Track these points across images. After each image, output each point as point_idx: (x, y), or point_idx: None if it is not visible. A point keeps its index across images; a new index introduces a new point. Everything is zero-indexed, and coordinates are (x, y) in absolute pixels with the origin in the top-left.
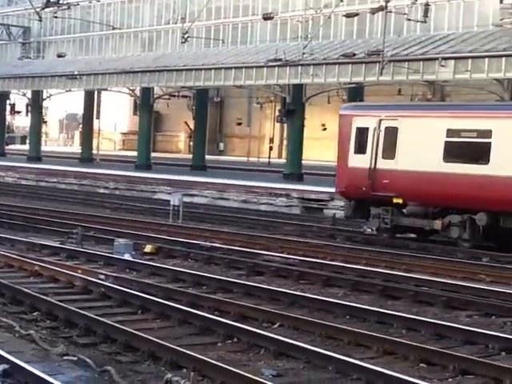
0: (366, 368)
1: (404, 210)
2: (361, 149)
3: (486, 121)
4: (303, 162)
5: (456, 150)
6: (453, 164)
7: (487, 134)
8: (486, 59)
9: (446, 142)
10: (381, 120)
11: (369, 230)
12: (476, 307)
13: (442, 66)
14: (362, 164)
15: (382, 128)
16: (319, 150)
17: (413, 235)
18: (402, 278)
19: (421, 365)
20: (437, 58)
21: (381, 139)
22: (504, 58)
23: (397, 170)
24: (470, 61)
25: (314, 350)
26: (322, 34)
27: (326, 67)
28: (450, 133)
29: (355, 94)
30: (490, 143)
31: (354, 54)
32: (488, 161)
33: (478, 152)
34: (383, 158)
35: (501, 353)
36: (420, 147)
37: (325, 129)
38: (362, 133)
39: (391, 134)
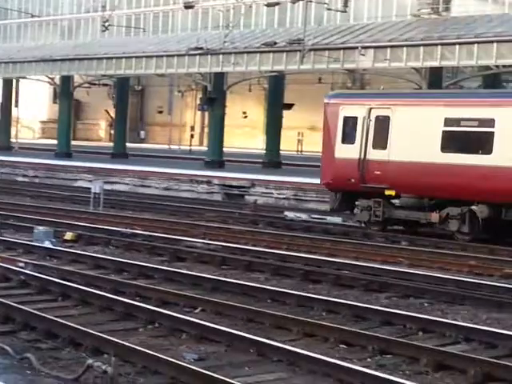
0: (286, 350)
1: (396, 202)
2: (349, 139)
3: (488, 109)
4: (224, 149)
5: (455, 140)
6: (451, 154)
7: (490, 123)
8: (405, 48)
9: (444, 132)
10: (371, 109)
11: (357, 222)
12: (395, 289)
13: (362, 54)
14: (351, 155)
15: (373, 117)
16: (240, 137)
17: (398, 227)
18: (324, 262)
19: (341, 346)
20: (356, 47)
21: (371, 129)
22: (422, 48)
23: (389, 161)
24: (388, 50)
25: (236, 334)
26: (244, 22)
27: (248, 56)
28: (449, 122)
29: (276, 82)
30: (492, 133)
31: (275, 43)
32: (491, 151)
33: (480, 142)
34: (374, 148)
35: (418, 332)
36: (415, 137)
37: (246, 116)
38: (350, 122)
39: (382, 124)
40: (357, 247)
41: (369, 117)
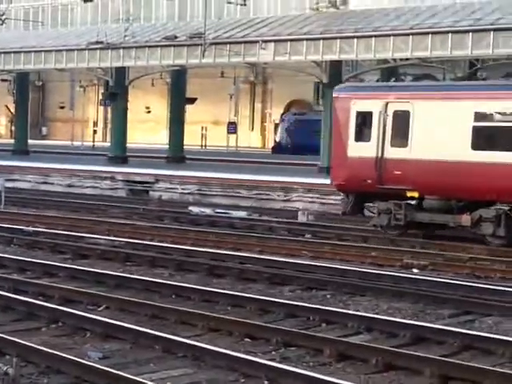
0: (191, 345)
1: (412, 204)
2: (363, 136)
3: None
4: (128, 144)
5: (488, 137)
6: (486, 152)
7: None
8: (304, 42)
9: (475, 128)
10: (388, 103)
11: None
12: (298, 282)
13: (263, 48)
14: (366, 153)
15: (390, 112)
16: (144, 132)
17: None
18: (228, 256)
19: (245, 339)
20: (257, 41)
21: (388, 125)
22: (321, 41)
23: (411, 160)
24: (288, 43)
25: (141, 331)
26: (144, 16)
27: (149, 50)
28: (480, 116)
29: (178, 76)
30: None
31: (176, 37)
32: None
33: None
34: (392, 146)
35: (321, 324)
36: (440, 133)
37: (149, 111)
38: (365, 118)
39: (402, 119)
40: (261, 241)
41: (385, 112)
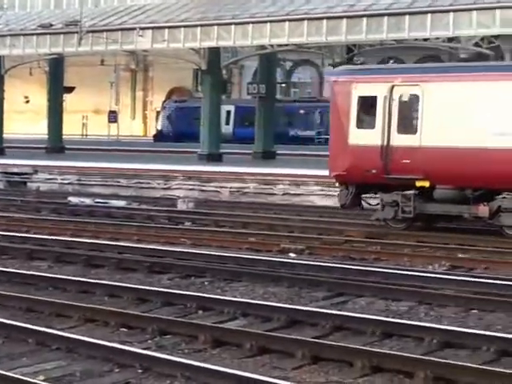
0: (64, 337)
1: (421, 195)
2: (367, 123)
3: None
4: (5, 135)
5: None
6: (507, 138)
7: None
8: (182, 29)
9: (494, 111)
10: (393, 86)
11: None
12: (177, 270)
13: (140, 35)
14: (370, 141)
15: (396, 96)
16: (23, 122)
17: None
18: (107, 246)
19: (121, 329)
20: (134, 28)
21: (394, 110)
22: (199, 28)
23: (421, 147)
24: (166, 30)
25: (13, 325)
26: (19, 4)
27: (24, 38)
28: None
29: (56, 65)
30: None
31: (52, 25)
32: None
33: None
34: (399, 132)
35: (198, 311)
36: (454, 118)
37: (28, 101)
38: (368, 103)
39: (410, 104)
40: (140, 230)
41: (391, 96)
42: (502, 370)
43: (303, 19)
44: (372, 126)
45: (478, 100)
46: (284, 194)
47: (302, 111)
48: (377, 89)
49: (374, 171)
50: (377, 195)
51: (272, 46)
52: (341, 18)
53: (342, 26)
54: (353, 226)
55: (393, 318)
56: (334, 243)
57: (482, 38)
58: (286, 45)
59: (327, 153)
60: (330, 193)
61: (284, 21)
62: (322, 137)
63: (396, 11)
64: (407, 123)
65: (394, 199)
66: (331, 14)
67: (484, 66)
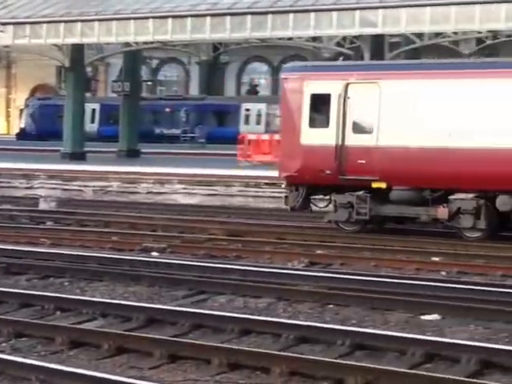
0: None
1: (376, 196)
2: (320, 122)
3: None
4: None
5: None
6: (468, 137)
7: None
8: (45, 25)
9: (457, 109)
10: (348, 84)
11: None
12: (36, 270)
13: (1, 31)
14: (324, 141)
15: (352, 94)
16: None
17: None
18: None
19: None
20: None
21: (350, 108)
22: (62, 24)
23: (378, 148)
24: (28, 26)
25: None
26: None
27: None
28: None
29: None
30: None
31: None
32: None
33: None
34: (355, 132)
35: (56, 312)
36: (415, 117)
37: None
38: (321, 101)
39: (366, 102)
40: (0, 230)
41: (346, 94)
42: (355, 364)
43: (167, 17)
44: (326, 125)
45: (438, 98)
46: (148, 193)
47: (167, 109)
48: (330, 86)
49: (327, 172)
50: (326, 197)
51: (137, 43)
52: (204, 16)
53: (206, 24)
54: (215, 223)
55: (251, 314)
56: (196, 241)
57: (344, 38)
58: (151, 42)
59: (192, 151)
60: (194, 191)
61: (148, 18)
62: (188, 135)
63: (259, 10)
64: (363, 122)
65: (349, 201)
66: (195, 12)
67: (444, 63)
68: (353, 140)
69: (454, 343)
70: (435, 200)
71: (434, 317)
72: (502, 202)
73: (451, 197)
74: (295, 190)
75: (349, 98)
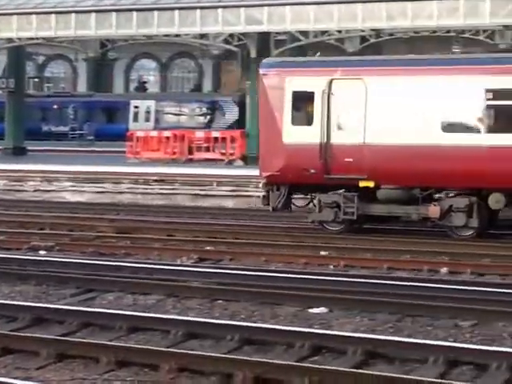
0: None
1: (364, 195)
2: (303, 119)
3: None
4: None
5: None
6: (461, 135)
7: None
8: None
9: (449, 107)
10: (332, 80)
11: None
12: None
13: None
14: (308, 139)
15: (336, 91)
16: None
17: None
18: None
19: None
20: None
21: (335, 105)
22: None
23: (366, 145)
24: None
25: None
26: None
27: None
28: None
29: None
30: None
31: None
32: None
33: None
34: (341, 129)
35: None
36: (403, 114)
37: None
38: (304, 98)
39: (352, 99)
40: None
41: (330, 91)
42: (243, 358)
43: (51, 12)
44: (309, 122)
45: (427, 95)
46: (35, 191)
47: (55, 106)
48: (314, 83)
49: (312, 171)
50: (307, 196)
51: (20, 39)
52: (89, 12)
53: (91, 21)
54: (104, 221)
55: (140, 312)
56: (85, 239)
57: (232, 35)
58: (36, 38)
59: (81, 148)
60: (83, 189)
61: (31, 14)
62: (76, 132)
63: (143, 7)
64: (349, 119)
65: (335, 200)
66: (80, 8)
67: (434, 59)
68: (339, 138)
69: (340, 335)
70: (425, 198)
71: (322, 310)
72: (495, 200)
73: (441, 195)
74: (276, 189)
75: (333, 94)
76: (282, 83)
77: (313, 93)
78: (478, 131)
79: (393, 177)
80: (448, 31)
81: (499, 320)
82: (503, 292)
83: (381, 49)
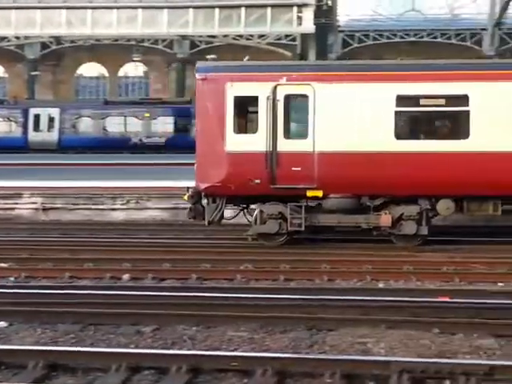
0: None
1: (311, 206)
2: (247, 127)
3: (460, 84)
4: None
5: (414, 123)
6: (410, 141)
7: (463, 100)
8: None
9: (398, 113)
10: (277, 86)
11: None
12: None
13: None
14: (252, 148)
15: (281, 97)
16: None
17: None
18: None
19: None
20: None
21: (280, 112)
22: None
23: (314, 154)
24: None
25: None
26: None
27: None
28: (404, 101)
29: None
30: (468, 112)
31: None
32: (468, 134)
33: (452, 124)
34: (287, 137)
35: None
36: (353, 121)
37: None
38: (247, 104)
39: (298, 105)
40: None
41: (275, 96)
42: None
43: None
44: (254, 130)
45: (376, 101)
46: None
47: None
48: (257, 88)
49: (257, 181)
50: (236, 207)
51: None
52: None
53: None
54: None
55: None
56: None
57: None
58: None
59: None
60: None
61: None
62: None
63: None
64: (296, 127)
65: (280, 211)
66: None
67: (383, 65)
68: (285, 146)
69: (19, 349)
70: (376, 208)
71: (2, 324)
72: (446, 207)
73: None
74: (212, 202)
75: (278, 100)
76: (222, 88)
77: (257, 99)
78: (418, 138)
79: (342, 186)
80: (128, 40)
81: (179, 323)
82: (183, 295)
83: (63, 56)
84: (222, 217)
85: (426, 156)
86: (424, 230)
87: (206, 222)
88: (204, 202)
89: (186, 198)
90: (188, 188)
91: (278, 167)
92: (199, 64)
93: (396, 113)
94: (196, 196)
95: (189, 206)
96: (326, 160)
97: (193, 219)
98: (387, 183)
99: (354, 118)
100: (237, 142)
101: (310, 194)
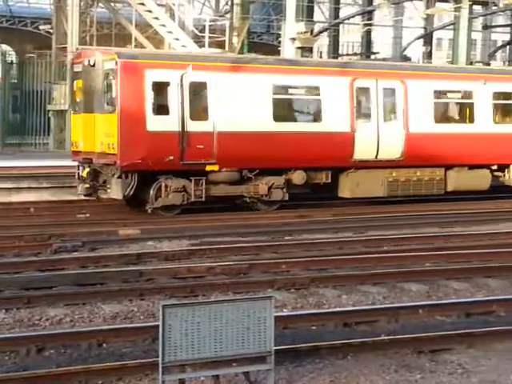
0: None
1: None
2: (163, 109)
3: (314, 77)
4: None
5: (286, 108)
6: (281, 123)
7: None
8: None
9: (275, 100)
10: (184, 74)
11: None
12: None
13: None
14: (168, 127)
15: (186, 83)
16: None
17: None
18: None
19: None
20: None
21: (186, 97)
22: None
23: (212, 133)
24: None
25: None
26: None
27: None
28: (278, 89)
29: None
30: (320, 100)
31: None
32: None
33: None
34: (193, 119)
35: None
36: (239, 105)
37: None
38: (162, 89)
39: (200, 91)
40: None
41: (183, 83)
42: None
43: None
44: (168, 112)
45: (256, 91)
46: None
47: None
48: (169, 75)
49: (171, 158)
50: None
51: None
52: None
53: None
54: None
55: None
56: None
57: None
58: None
59: None
60: None
61: None
62: None
63: None
64: (199, 110)
65: (184, 184)
66: None
67: (263, 58)
68: (192, 126)
69: None
70: (255, 178)
71: None
72: (301, 178)
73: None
74: (126, 177)
75: (185, 86)
76: (141, 73)
77: (169, 84)
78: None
79: (231, 160)
80: None
81: None
82: None
83: None
84: (134, 191)
85: (295, 135)
86: (286, 196)
87: (121, 196)
88: (116, 178)
89: (84, 174)
90: (83, 166)
91: (187, 145)
92: (121, 51)
93: (273, 100)
94: (93, 173)
95: (79, 184)
96: (222, 138)
97: (88, 196)
98: (265, 157)
99: (239, 103)
100: (156, 123)
101: (208, 168)
